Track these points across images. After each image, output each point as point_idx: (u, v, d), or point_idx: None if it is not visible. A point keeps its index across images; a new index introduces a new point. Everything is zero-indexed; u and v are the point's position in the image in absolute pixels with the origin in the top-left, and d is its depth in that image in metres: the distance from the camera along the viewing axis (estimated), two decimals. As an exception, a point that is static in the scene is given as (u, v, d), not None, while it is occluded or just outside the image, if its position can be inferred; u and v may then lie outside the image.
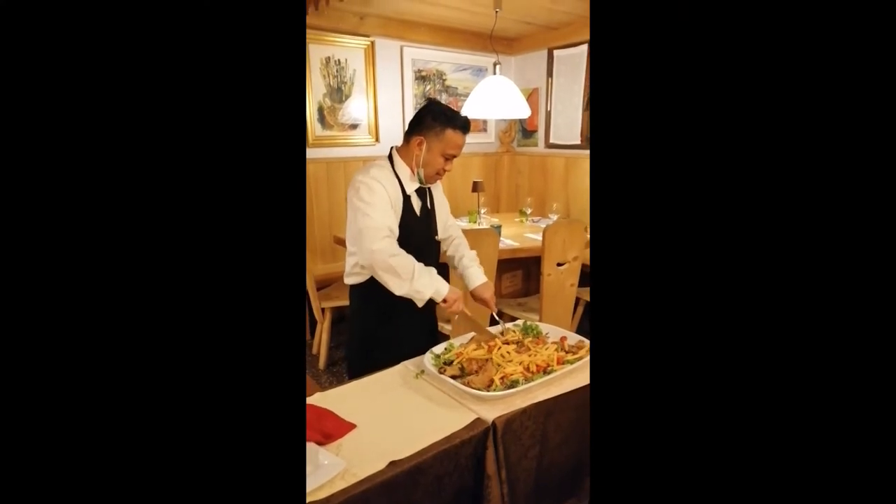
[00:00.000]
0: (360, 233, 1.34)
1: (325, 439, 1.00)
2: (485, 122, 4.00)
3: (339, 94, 3.18)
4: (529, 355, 1.30)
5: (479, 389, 1.16)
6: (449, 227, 1.64)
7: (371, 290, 1.42)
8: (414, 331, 1.52)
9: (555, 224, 2.37)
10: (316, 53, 3.04)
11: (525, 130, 3.98)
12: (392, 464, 0.93)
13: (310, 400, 1.15)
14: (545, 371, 1.25)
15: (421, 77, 3.55)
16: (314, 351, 2.80)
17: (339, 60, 3.14)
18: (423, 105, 1.46)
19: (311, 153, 3.09)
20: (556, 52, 3.58)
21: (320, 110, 3.12)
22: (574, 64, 3.46)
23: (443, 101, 2.59)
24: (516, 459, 1.13)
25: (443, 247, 1.65)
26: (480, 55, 3.75)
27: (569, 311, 2.47)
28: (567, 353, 1.35)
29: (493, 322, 1.56)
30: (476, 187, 3.18)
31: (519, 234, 2.82)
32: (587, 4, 2.52)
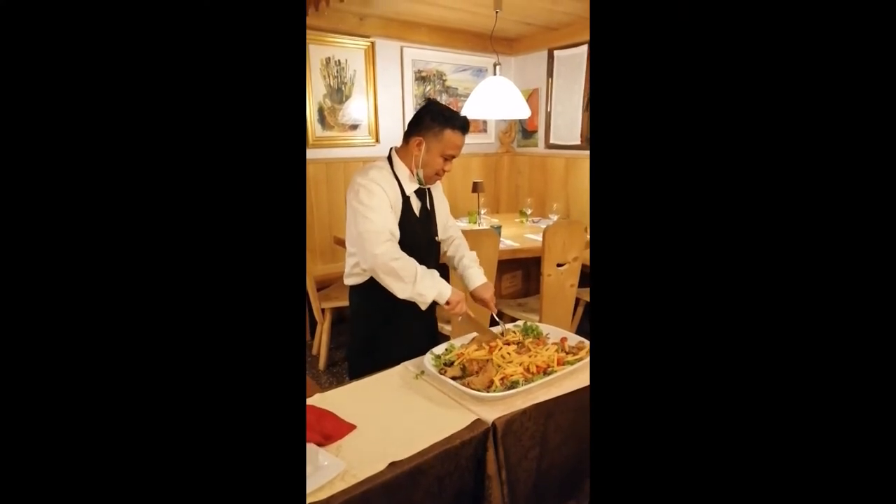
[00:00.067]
0: (361, 236, 1.34)
1: (325, 440, 0.99)
2: (485, 122, 4.00)
3: (339, 94, 3.18)
4: (530, 356, 1.30)
5: (479, 390, 1.16)
6: (449, 228, 1.64)
7: (371, 291, 1.42)
8: (414, 331, 1.52)
9: (555, 224, 2.37)
10: (316, 54, 3.04)
11: (525, 131, 3.99)
12: (392, 465, 0.93)
13: (310, 401, 1.15)
14: (545, 372, 1.25)
15: (421, 78, 3.55)
16: (314, 352, 2.80)
17: (339, 61, 3.14)
18: (422, 105, 1.46)
19: (311, 154, 3.09)
20: (556, 53, 3.58)
21: (320, 111, 3.13)
22: (574, 64, 3.46)
23: (443, 102, 2.60)
24: (516, 460, 1.13)
25: (443, 247, 1.65)
26: (480, 56, 3.75)
27: (569, 312, 2.47)
28: (567, 353, 1.35)
29: (493, 323, 1.55)
30: (476, 188, 3.18)
31: (519, 235, 2.82)
32: (587, 5, 2.52)
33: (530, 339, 1.42)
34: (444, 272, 1.48)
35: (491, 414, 1.10)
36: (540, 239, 2.29)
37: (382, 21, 3.23)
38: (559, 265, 2.29)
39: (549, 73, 3.66)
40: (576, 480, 1.31)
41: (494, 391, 1.16)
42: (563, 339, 1.42)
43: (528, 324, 1.52)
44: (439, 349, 1.36)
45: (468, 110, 2.65)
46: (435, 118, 1.39)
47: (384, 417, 1.11)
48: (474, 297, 1.58)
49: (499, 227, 2.69)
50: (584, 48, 3.36)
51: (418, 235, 1.47)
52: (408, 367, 1.34)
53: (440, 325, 1.87)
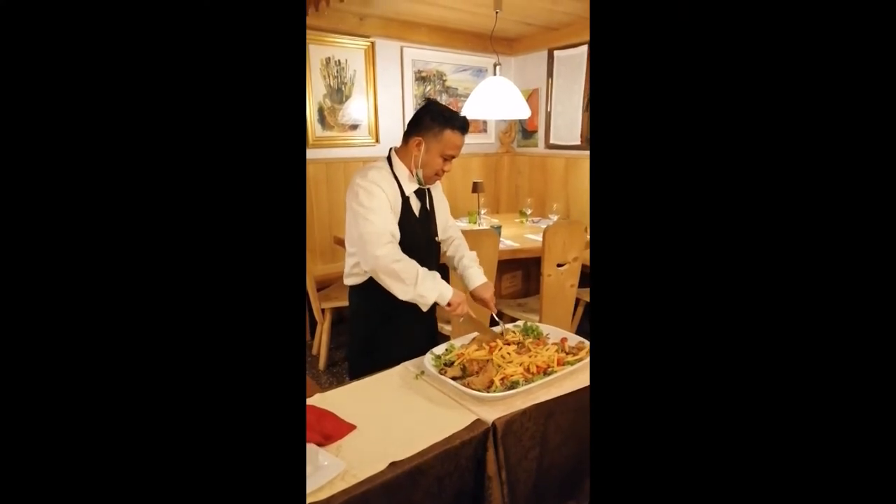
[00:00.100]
0: (362, 238, 1.34)
1: (325, 440, 0.99)
2: (485, 122, 4.00)
3: (339, 94, 3.18)
4: (530, 356, 1.30)
5: (479, 390, 1.16)
6: (449, 228, 1.64)
7: (370, 291, 1.42)
8: (414, 331, 1.52)
9: (555, 225, 2.37)
10: (316, 54, 3.04)
11: (525, 131, 3.99)
12: (392, 465, 0.93)
13: (310, 401, 1.15)
14: (545, 372, 1.25)
15: (421, 78, 3.55)
16: (314, 352, 2.80)
17: (339, 61, 3.14)
18: (421, 105, 1.46)
19: (311, 154, 3.09)
20: (556, 53, 3.58)
21: (320, 111, 3.13)
22: (574, 65, 3.46)
23: (443, 102, 2.60)
24: (516, 461, 1.13)
25: (442, 247, 1.65)
26: (480, 56, 3.75)
27: (569, 312, 2.46)
28: (567, 354, 1.35)
29: (493, 323, 1.56)
30: (476, 188, 3.18)
31: (519, 235, 2.82)
32: (587, 5, 2.53)
33: (530, 340, 1.42)
34: (444, 272, 1.48)
35: (491, 414, 1.10)
36: (540, 239, 2.29)
37: (382, 21, 3.23)
38: (559, 265, 2.29)
39: (549, 74, 3.66)
40: (576, 480, 1.31)
41: (494, 391, 1.16)
42: (563, 340, 1.42)
43: (528, 324, 1.52)
44: (439, 349, 1.36)
45: (468, 110, 2.65)
46: (434, 118, 1.39)
47: (384, 417, 1.11)
48: (474, 296, 1.58)
49: (499, 228, 2.69)
50: (584, 48, 3.36)
51: (418, 236, 1.47)
52: (408, 367, 1.34)
53: (440, 325, 1.87)
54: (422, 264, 1.37)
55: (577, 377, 1.27)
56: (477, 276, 1.59)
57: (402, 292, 1.33)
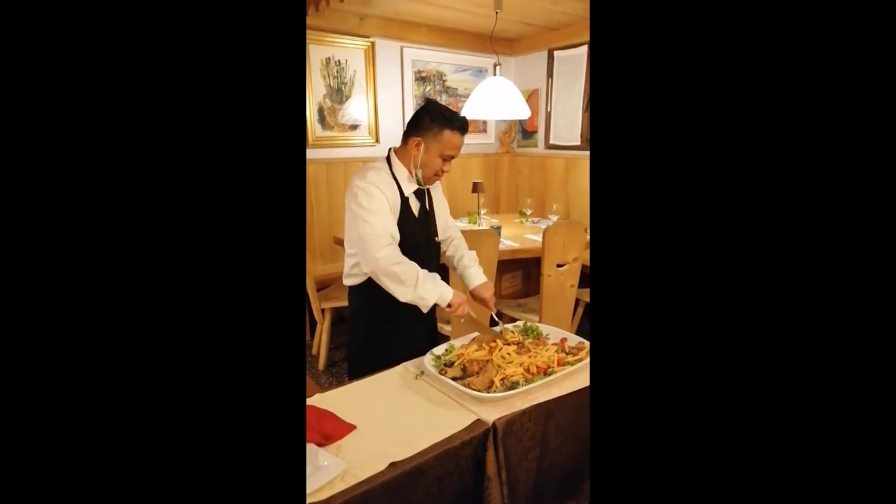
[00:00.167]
0: (361, 239, 1.34)
1: (325, 440, 0.99)
2: (485, 122, 4.00)
3: (339, 94, 3.18)
4: (530, 356, 1.30)
5: (479, 391, 1.15)
6: (448, 228, 1.64)
7: (370, 292, 1.42)
8: (413, 332, 1.52)
9: (555, 225, 2.37)
10: (316, 54, 3.04)
11: (525, 131, 3.99)
12: (392, 465, 0.93)
13: (310, 401, 1.15)
14: (545, 372, 1.25)
15: (421, 78, 3.55)
16: (314, 352, 2.80)
17: (339, 61, 3.14)
18: (421, 105, 1.46)
19: (311, 154, 3.09)
20: (556, 53, 3.58)
21: (320, 111, 3.13)
22: (574, 65, 3.46)
23: (443, 102, 2.60)
24: (516, 461, 1.13)
25: (442, 247, 1.65)
26: (480, 56, 3.75)
27: (569, 313, 2.46)
28: (567, 354, 1.35)
29: (493, 323, 1.56)
30: (476, 188, 3.18)
31: (519, 235, 2.82)
32: (587, 5, 2.53)
33: (530, 340, 1.42)
34: (444, 272, 1.48)
35: (491, 414, 1.10)
36: (540, 239, 2.29)
37: (382, 21, 3.23)
38: (559, 266, 2.29)
39: (549, 74, 3.66)
40: (576, 481, 1.31)
41: (495, 392, 1.16)
42: (563, 340, 1.42)
43: (528, 324, 1.52)
44: (439, 349, 1.36)
45: (468, 110, 2.65)
46: (434, 118, 1.39)
47: (384, 417, 1.11)
48: (474, 296, 1.58)
49: (499, 228, 2.69)
50: (584, 48, 3.36)
51: (417, 236, 1.47)
52: (408, 367, 1.34)
53: (440, 325, 1.87)
54: (421, 265, 1.37)
55: (577, 377, 1.27)
56: (477, 275, 1.59)
57: (403, 294, 1.33)
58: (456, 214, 1.90)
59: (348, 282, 1.51)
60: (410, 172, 1.44)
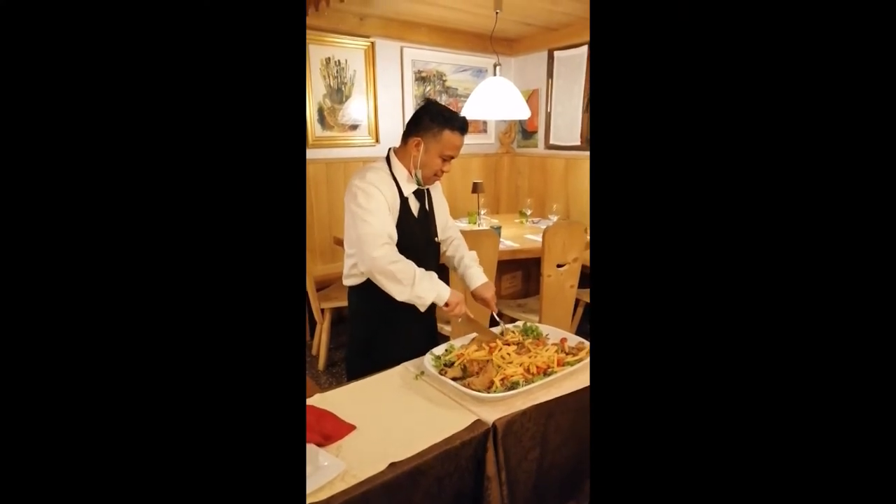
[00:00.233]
0: (359, 239, 1.34)
1: (324, 440, 0.99)
2: (485, 123, 4.00)
3: (339, 94, 3.18)
4: (530, 357, 1.30)
5: (479, 391, 1.15)
6: (448, 229, 1.64)
7: (370, 292, 1.41)
8: (413, 332, 1.52)
9: (555, 225, 2.37)
10: (316, 54, 3.04)
11: (525, 131, 3.99)
12: (392, 465, 0.93)
13: (310, 401, 1.15)
14: (545, 373, 1.25)
15: (421, 78, 3.55)
16: (314, 352, 2.80)
17: (339, 61, 3.14)
18: (421, 105, 1.46)
19: (310, 154, 3.09)
20: (556, 54, 3.58)
21: (320, 111, 3.13)
22: (574, 65, 3.46)
23: (443, 102, 2.60)
24: (516, 461, 1.13)
25: (442, 248, 1.65)
26: (480, 56, 3.75)
27: (569, 313, 2.46)
28: (567, 354, 1.35)
29: (494, 323, 1.55)
30: (476, 188, 3.18)
31: (519, 236, 2.82)
32: (587, 5, 2.53)
33: (530, 340, 1.42)
34: (444, 273, 1.48)
35: (491, 415, 1.10)
36: (540, 239, 2.29)
37: (382, 21, 3.23)
38: (559, 266, 2.29)
39: (549, 74, 3.66)
40: (576, 481, 1.30)
41: (495, 392, 1.16)
42: (563, 340, 1.42)
43: (528, 324, 1.52)
44: (439, 350, 1.36)
45: (468, 111, 2.65)
46: (434, 118, 1.39)
47: (384, 418, 1.11)
48: (475, 296, 1.58)
49: (499, 228, 2.69)
50: (584, 48, 3.36)
51: (417, 236, 1.47)
52: (408, 367, 1.34)
53: (440, 325, 1.87)
54: (421, 265, 1.37)
55: (577, 377, 1.27)
56: (477, 275, 1.59)
57: (399, 293, 1.33)
58: (456, 215, 1.90)
59: (348, 282, 1.51)
60: (410, 172, 1.44)
